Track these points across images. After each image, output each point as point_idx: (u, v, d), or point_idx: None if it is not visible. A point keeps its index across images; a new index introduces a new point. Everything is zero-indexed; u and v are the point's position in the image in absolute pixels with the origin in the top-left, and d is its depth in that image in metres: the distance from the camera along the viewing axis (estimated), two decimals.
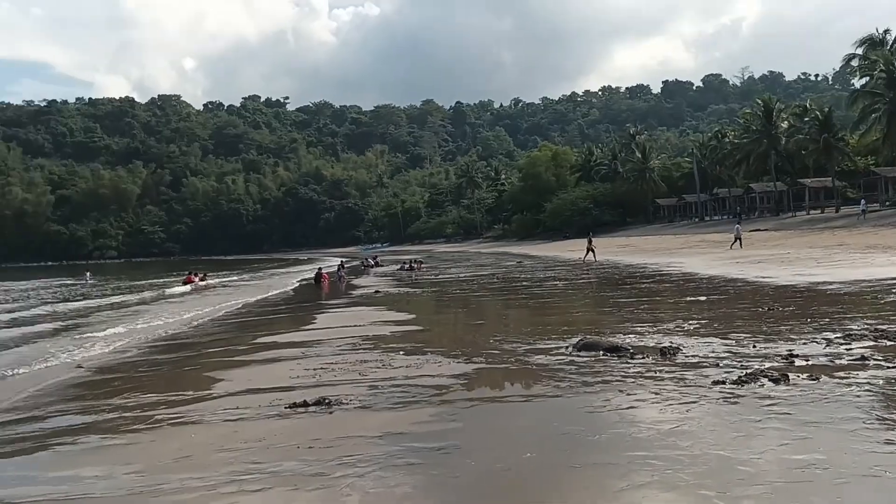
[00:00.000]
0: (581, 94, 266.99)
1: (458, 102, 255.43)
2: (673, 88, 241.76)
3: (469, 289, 23.91)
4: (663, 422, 5.90)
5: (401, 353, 10.21)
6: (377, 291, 24.27)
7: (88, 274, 49.35)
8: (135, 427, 6.85)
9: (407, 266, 39.49)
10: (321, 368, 9.26)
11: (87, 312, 22.47)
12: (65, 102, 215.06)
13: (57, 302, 28.90)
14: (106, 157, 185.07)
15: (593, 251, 36.31)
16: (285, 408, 7.11)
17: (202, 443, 6.10)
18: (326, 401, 7.20)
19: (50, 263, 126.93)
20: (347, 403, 7.17)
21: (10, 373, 11.00)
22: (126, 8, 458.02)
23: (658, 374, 7.66)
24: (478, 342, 10.90)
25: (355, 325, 14.25)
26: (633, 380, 7.48)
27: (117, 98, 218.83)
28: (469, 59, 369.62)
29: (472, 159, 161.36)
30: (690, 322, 11.59)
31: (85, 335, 15.70)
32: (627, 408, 6.40)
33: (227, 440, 6.09)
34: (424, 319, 16.13)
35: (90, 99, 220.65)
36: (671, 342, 9.51)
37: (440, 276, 32.49)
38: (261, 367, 10.05)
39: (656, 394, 6.83)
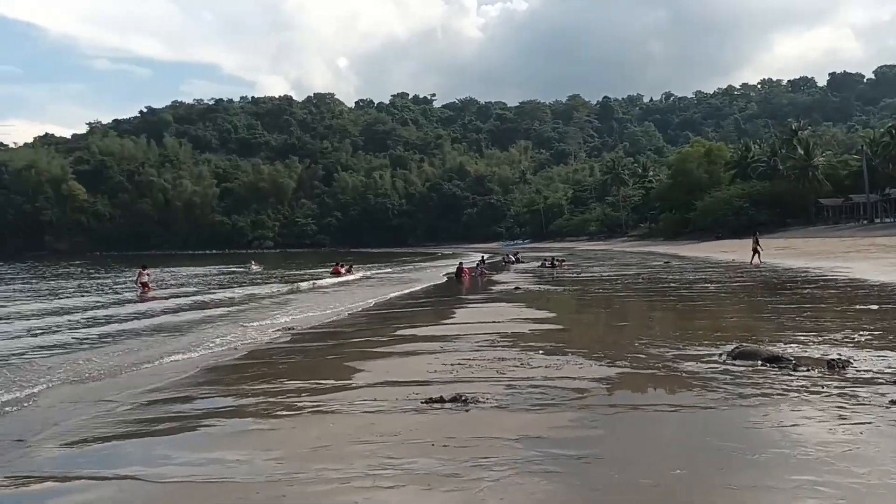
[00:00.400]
0: (738, 87, 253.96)
1: (605, 97, 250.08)
2: (841, 81, 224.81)
3: (612, 288, 23.17)
4: (833, 443, 5.30)
5: (540, 352, 9.93)
6: (517, 288, 24.03)
7: (253, 262, 52.03)
8: (277, 413, 7.01)
9: (548, 263, 38.99)
10: (459, 364, 9.15)
11: (249, 300, 23.65)
12: (230, 101, 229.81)
13: (225, 288, 30.71)
14: (266, 153, 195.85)
15: (758, 252, 34.03)
16: (422, 403, 7.03)
17: (340, 433, 6.11)
18: (463, 398, 7.06)
19: (214, 251, 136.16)
20: (484, 402, 6.99)
21: (173, 358, 11.67)
22: (286, 12, 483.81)
23: (825, 390, 6.94)
24: (621, 344, 10.42)
25: (494, 322, 14.09)
26: (796, 394, 6.82)
27: (277, 97, 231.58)
28: (618, 53, 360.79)
29: (618, 155, 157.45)
30: (861, 333, 10.53)
31: (244, 322, 16.48)
32: (791, 425, 5.81)
33: (363, 432, 6.07)
34: (565, 318, 15.73)
35: (253, 98, 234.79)
36: (839, 354, 8.63)
37: (582, 275, 31.80)
38: (400, 359, 10.09)
39: (823, 411, 6.18)
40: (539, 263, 41.30)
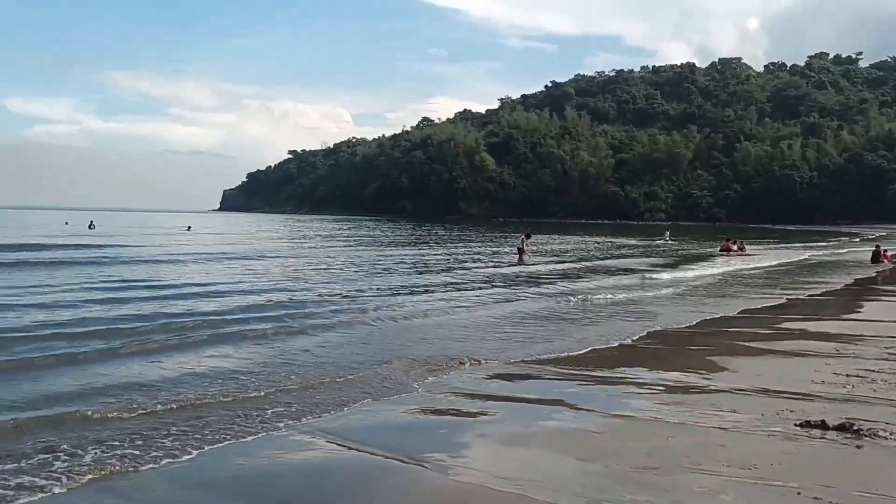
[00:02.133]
0: None
1: None
2: None
3: None
4: None
5: None
6: None
7: (668, 233, 51.14)
8: (613, 412, 6.02)
9: None
10: (856, 376, 7.17)
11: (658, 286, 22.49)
12: (630, 71, 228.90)
13: (615, 258, 30.40)
14: (662, 123, 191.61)
15: None
16: (795, 425, 5.48)
17: (677, 451, 4.94)
18: (855, 427, 5.33)
19: (605, 221, 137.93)
20: (886, 437, 5.18)
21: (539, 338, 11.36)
22: None
23: None
24: None
25: None
26: None
27: (678, 64, 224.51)
28: None
29: None
30: None
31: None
32: None
33: (707, 455, 4.82)
34: None
35: (653, 67, 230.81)
36: None
37: None
38: (777, 360, 8.34)
39: None
40: None
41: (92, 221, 59.28)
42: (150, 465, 4.69)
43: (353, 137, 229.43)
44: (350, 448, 5.11)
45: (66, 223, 62.40)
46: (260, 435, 5.40)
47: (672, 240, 47.48)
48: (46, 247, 27.81)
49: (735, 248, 34.92)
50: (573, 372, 7.70)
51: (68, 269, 19.21)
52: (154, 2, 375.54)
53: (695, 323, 11.59)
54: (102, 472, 4.54)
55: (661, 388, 6.90)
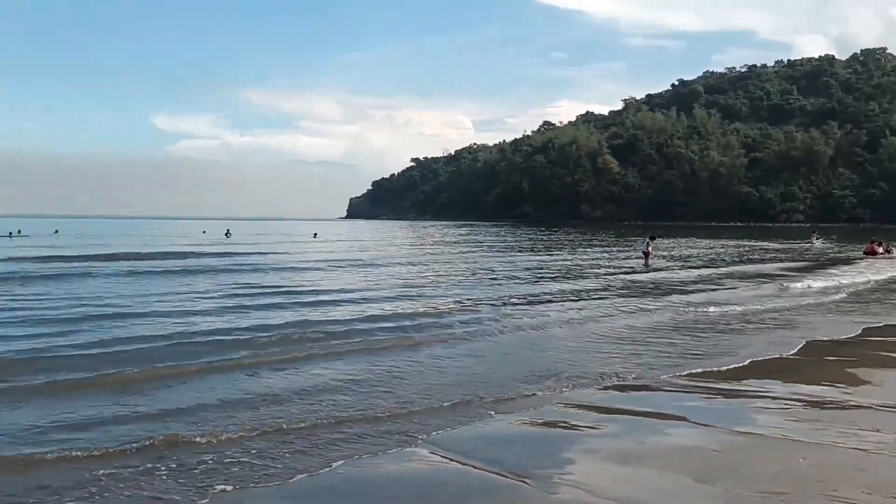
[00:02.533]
0: None
1: None
2: None
3: None
4: None
5: None
6: None
7: (815, 235, 48.47)
8: (738, 429, 5.59)
9: None
10: None
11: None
12: (763, 66, 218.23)
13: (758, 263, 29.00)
14: (799, 119, 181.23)
15: None
16: None
17: (809, 474, 4.51)
18: None
19: (738, 224, 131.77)
20: None
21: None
22: None
23: None
24: None
25: None
26: None
27: (816, 57, 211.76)
28: None
29: None
30: None
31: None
32: None
33: (843, 480, 4.36)
34: None
35: (788, 61, 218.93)
36: None
37: None
38: None
39: None
40: None
41: (228, 230, 62.44)
42: (275, 483, 4.64)
43: (474, 143, 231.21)
44: (452, 461, 4.98)
45: (204, 232, 66.12)
46: (388, 452, 5.27)
47: (826, 241, 44.51)
48: (184, 254, 29.53)
49: (881, 250, 32.34)
50: (697, 384, 7.24)
51: (202, 276, 20.22)
52: (282, 22, 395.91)
53: (860, 331, 10.63)
54: (224, 488, 4.52)
55: (794, 402, 6.37)
